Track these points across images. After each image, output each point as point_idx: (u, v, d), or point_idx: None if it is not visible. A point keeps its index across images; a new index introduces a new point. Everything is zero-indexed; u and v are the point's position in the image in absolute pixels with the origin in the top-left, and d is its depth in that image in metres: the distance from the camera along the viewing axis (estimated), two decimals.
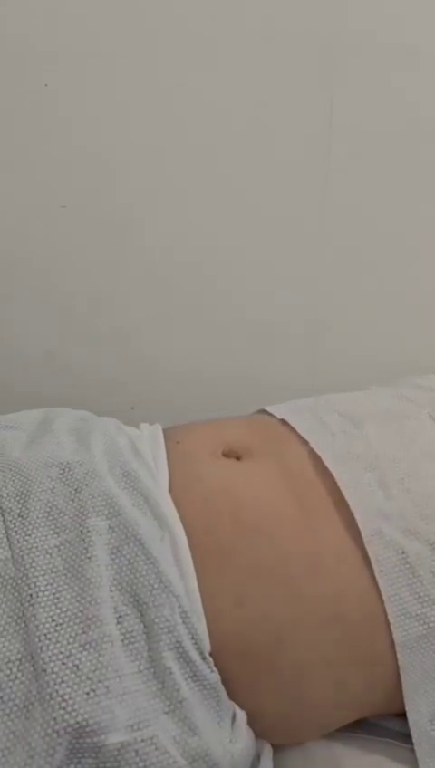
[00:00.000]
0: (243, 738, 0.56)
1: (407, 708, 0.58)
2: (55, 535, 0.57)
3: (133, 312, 1.10)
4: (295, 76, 1.01)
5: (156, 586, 0.56)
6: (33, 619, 0.53)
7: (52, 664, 0.51)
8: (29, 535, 0.57)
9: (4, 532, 0.57)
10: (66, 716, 0.50)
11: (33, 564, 0.55)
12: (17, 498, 0.59)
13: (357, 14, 1.03)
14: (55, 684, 0.50)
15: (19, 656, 0.51)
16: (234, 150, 1.03)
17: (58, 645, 0.52)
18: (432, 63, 1.05)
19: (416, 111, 1.02)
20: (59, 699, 0.50)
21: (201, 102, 1.02)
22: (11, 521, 0.58)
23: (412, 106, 1.02)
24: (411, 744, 0.58)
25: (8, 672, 0.51)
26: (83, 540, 0.57)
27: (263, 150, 1.01)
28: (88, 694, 0.51)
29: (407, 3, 1.05)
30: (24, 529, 0.57)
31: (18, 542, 0.56)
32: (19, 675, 0.51)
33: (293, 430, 0.72)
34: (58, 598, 0.54)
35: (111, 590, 0.55)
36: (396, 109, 1.02)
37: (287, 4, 1.01)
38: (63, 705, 0.50)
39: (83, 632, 0.53)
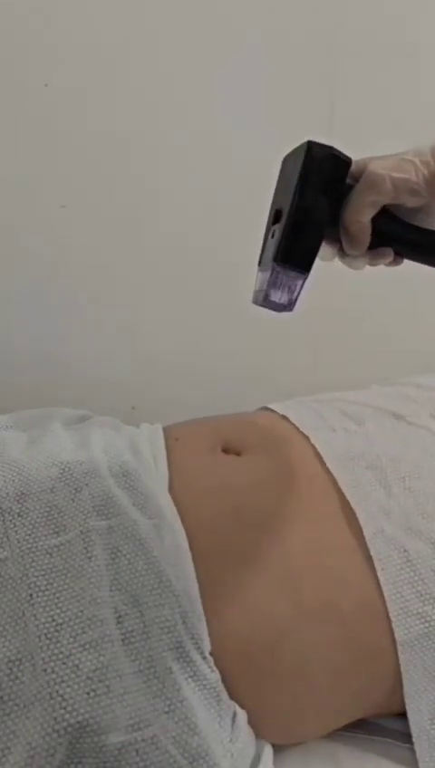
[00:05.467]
0: (243, 738, 0.55)
1: (407, 707, 0.58)
2: (55, 535, 0.57)
3: (133, 312, 1.10)
4: (295, 76, 1.01)
5: (156, 586, 0.56)
6: (32, 619, 0.52)
7: (52, 664, 0.51)
8: (29, 535, 0.57)
9: (3, 531, 0.57)
10: (67, 716, 0.50)
11: (33, 564, 0.55)
12: (17, 498, 0.59)
13: (357, 14, 1.03)
14: (56, 684, 0.50)
15: (19, 655, 0.51)
16: (234, 151, 1.03)
17: (58, 645, 0.52)
18: (432, 63, 1.05)
19: (416, 111, 1.02)
20: (59, 699, 0.50)
21: (202, 103, 1.02)
22: (11, 521, 0.57)
23: (412, 106, 1.02)
24: (411, 743, 0.58)
25: (8, 672, 0.51)
26: (83, 540, 0.57)
27: (263, 151, 1.01)
28: (88, 694, 0.50)
29: (407, 3, 1.05)
30: (24, 529, 0.57)
31: (18, 541, 0.56)
32: (19, 674, 0.51)
33: (294, 427, 0.73)
34: (58, 598, 0.54)
35: (111, 590, 0.55)
36: (396, 108, 1.02)
37: (288, 4, 1.01)
38: (64, 704, 0.50)
39: (83, 632, 0.52)
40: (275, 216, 0.54)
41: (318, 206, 0.52)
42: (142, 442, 0.70)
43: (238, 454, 0.70)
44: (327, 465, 0.67)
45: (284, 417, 0.75)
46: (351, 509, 0.63)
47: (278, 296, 0.53)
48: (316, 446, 0.69)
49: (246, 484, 0.65)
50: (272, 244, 0.53)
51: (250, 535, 0.61)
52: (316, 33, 1.02)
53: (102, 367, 1.11)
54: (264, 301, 0.54)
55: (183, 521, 0.61)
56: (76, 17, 0.96)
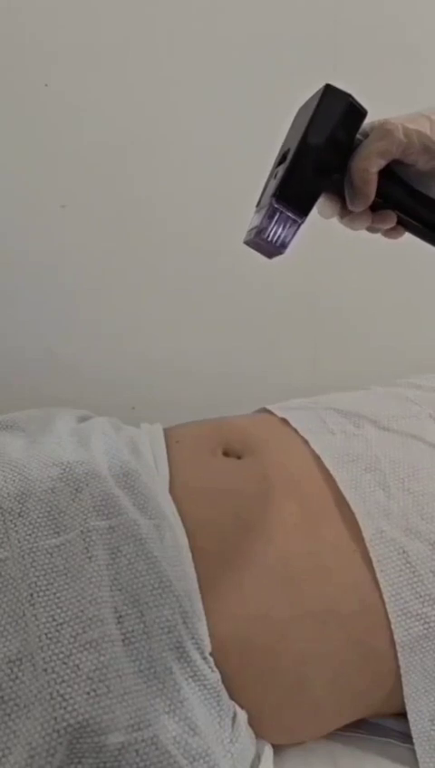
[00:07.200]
0: (243, 738, 0.56)
1: (407, 708, 0.58)
2: (56, 535, 0.57)
3: (133, 312, 1.10)
4: (295, 76, 1.01)
5: (156, 586, 0.56)
6: (33, 618, 0.52)
7: (52, 664, 0.51)
8: (29, 535, 0.57)
9: (4, 531, 0.57)
10: (67, 716, 0.50)
11: (34, 564, 0.55)
12: (18, 498, 0.59)
13: (357, 14, 1.03)
14: (56, 683, 0.50)
15: (19, 655, 0.51)
16: (235, 151, 1.03)
17: (59, 645, 0.52)
18: (432, 63, 1.05)
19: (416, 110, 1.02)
20: (59, 699, 0.50)
21: (202, 102, 1.02)
22: (11, 520, 0.58)
23: (412, 106, 1.02)
24: (411, 743, 0.58)
25: (8, 672, 0.51)
26: (84, 540, 0.57)
27: (264, 151, 1.01)
28: (88, 694, 0.50)
29: (407, 3, 1.05)
30: (25, 529, 0.57)
31: (18, 541, 0.56)
32: (19, 674, 0.51)
33: (293, 430, 0.73)
34: (58, 598, 0.54)
35: (111, 590, 0.55)
36: (396, 108, 1.02)
37: (288, 4, 1.01)
38: (64, 704, 0.50)
39: (84, 632, 0.52)
40: (282, 158, 0.53)
41: (325, 148, 0.50)
42: (143, 442, 0.70)
43: (239, 457, 0.70)
44: (326, 466, 0.67)
45: (283, 420, 0.75)
46: (350, 510, 0.63)
47: (271, 236, 0.51)
48: (315, 449, 0.69)
49: (246, 486, 0.65)
50: (273, 183, 0.52)
51: (250, 536, 0.61)
52: (316, 34, 1.02)
53: (102, 367, 1.11)
54: (256, 237, 0.51)
55: (183, 521, 0.61)
56: (76, 17, 0.96)
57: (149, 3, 0.98)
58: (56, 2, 0.95)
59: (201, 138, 1.03)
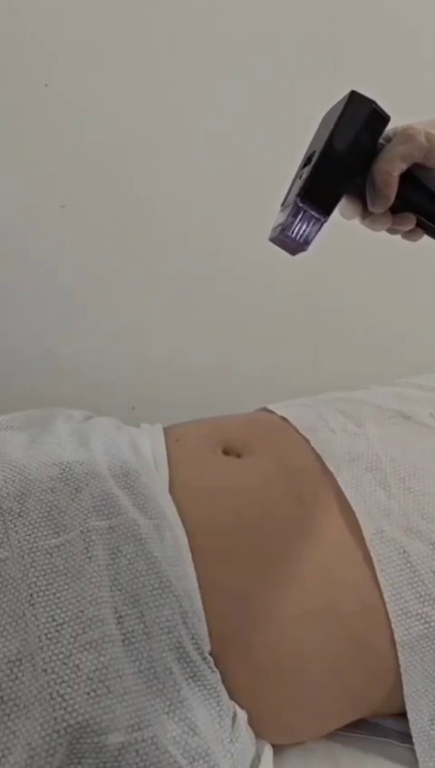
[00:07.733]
0: (243, 738, 0.55)
1: (407, 708, 0.58)
2: (55, 535, 0.57)
3: (133, 312, 1.10)
4: (295, 76, 1.01)
5: (156, 586, 0.56)
6: (33, 619, 0.52)
7: (52, 664, 0.51)
8: (29, 535, 0.57)
9: (4, 531, 0.57)
10: (66, 716, 0.50)
11: (33, 564, 0.55)
12: (17, 498, 0.59)
13: (357, 14, 1.03)
14: (56, 684, 0.50)
15: (19, 656, 0.51)
16: (235, 151, 1.03)
17: (59, 645, 0.52)
18: (432, 63, 1.05)
19: (416, 112, 1.02)
20: (59, 699, 0.50)
21: (202, 102, 1.02)
22: (11, 521, 0.57)
23: (413, 106, 1.02)
24: (411, 743, 0.58)
25: (8, 672, 0.51)
26: (84, 540, 0.57)
27: (265, 151, 1.01)
28: (88, 694, 0.50)
29: (407, 3, 1.05)
30: (24, 529, 0.57)
31: (18, 541, 0.56)
32: (19, 675, 0.51)
33: (293, 428, 0.72)
34: (58, 598, 0.54)
35: (111, 590, 0.55)
36: (396, 109, 1.02)
37: (288, 4, 1.01)
38: (64, 705, 0.50)
39: (84, 632, 0.52)
40: (307, 160, 0.55)
41: (349, 151, 0.53)
42: (143, 442, 0.70)
43: (239, 455, 0.70)
44: (327, 465, 0.67)
45: (283, 418, 0.75)
46: (350, 509, 0.63)
47: (295, 233, 0.53)
48: (316, 447, 0.69)
49: (245, 486, 0.65)
50: (298, 184, 0.54)
51: (250, 536, 0.61)
52: (316, 34, 1.02)
53: (102, 367, 1.11)
54: (280, 234, 0.54)
55: (183, 521, 0.61)
56: (76, 17, 0.96)
57: (149, 3, 0.98)
58: (56, 2, 0.96)
59: (201, 138, 1.03)
